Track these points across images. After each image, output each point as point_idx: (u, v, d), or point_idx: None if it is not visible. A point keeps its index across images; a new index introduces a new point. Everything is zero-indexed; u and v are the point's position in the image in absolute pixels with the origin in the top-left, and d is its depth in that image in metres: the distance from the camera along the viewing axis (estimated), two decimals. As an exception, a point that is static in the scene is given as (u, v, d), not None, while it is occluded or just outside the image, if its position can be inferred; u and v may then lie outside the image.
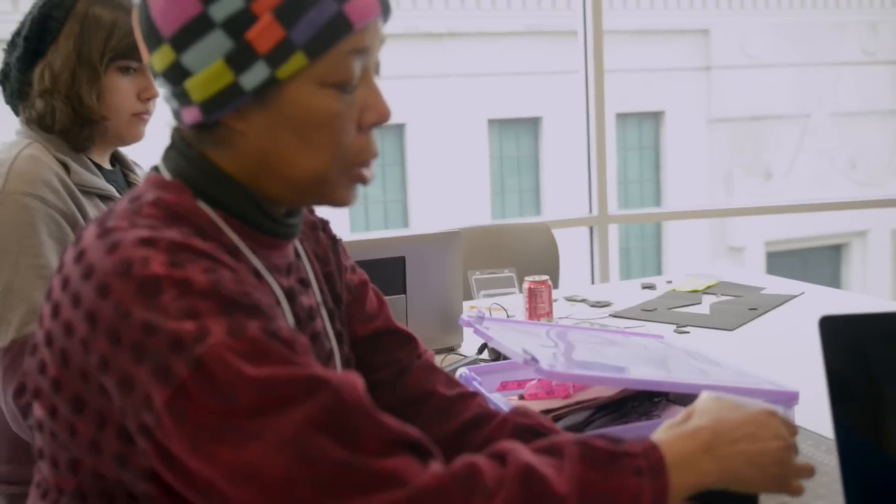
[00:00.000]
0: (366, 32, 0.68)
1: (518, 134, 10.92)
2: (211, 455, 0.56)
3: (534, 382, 1.24)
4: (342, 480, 0.55)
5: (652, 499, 0.64)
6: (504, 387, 1.29)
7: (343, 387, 0.59)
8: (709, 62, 11.07)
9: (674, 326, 1.80)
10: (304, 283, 0.78)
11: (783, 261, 9.88)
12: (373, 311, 0.91)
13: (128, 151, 1.44)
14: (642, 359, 1.27)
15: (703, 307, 1.96)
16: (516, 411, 0.88)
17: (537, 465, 0.62)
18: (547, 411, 1.14)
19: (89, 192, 1.28)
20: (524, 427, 0.85)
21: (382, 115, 0.70)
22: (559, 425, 1.11)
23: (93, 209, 1.27)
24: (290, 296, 0.75)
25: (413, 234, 1.60)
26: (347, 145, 0.69)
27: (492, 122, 10.67)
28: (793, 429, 0.76)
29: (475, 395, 0.91)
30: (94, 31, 1.26)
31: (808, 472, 0.75)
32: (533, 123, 10.88)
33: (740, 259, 10.67)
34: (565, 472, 0.62)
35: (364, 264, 1.00)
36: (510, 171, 10.90)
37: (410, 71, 9.57)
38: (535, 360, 1.03)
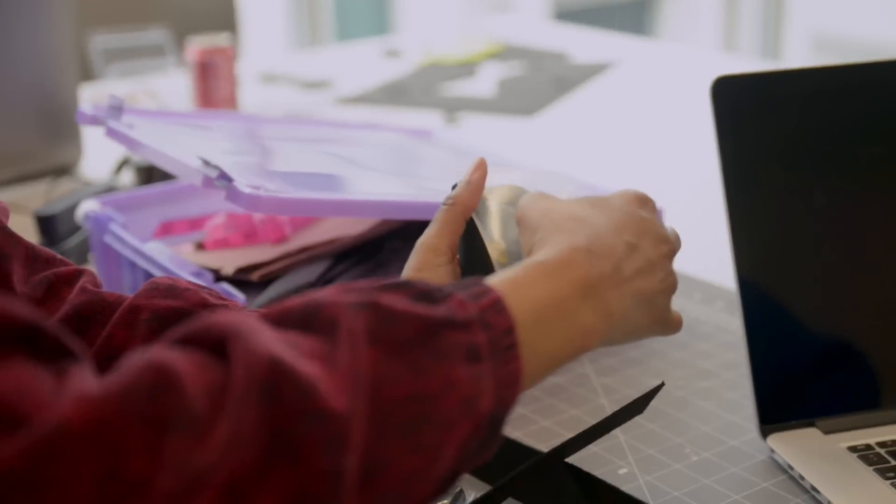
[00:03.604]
0: None
1: None
2: None
3: (220, 219, 1.21)
4: None
5: (494, 401, 0.55)
6: (167, 230, 1.25)
7: None
8: None
9: (441, 114, 1.84)
10: None
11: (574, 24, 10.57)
12: None
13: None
14: (403, 167, 1.33)
15: (484, 83, 2.06)
16: (156, 288, 0.76)
17: (287, 358, 0.51)
18: (246, 269, 1.10)
19: None
20: (178, 314, 0.74)
21: None
22: (270, 292, 1.05)
23: None
24: None
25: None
26: None
27: None
28: (673, 232, 0.75)
29: (80, 273, 0.77)
30: None
31: (678, 319, 0.75)
32: None
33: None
34: (341, 366, 0.52)
35: None
36: None
37: None
38: (225, 177, 0.96)
